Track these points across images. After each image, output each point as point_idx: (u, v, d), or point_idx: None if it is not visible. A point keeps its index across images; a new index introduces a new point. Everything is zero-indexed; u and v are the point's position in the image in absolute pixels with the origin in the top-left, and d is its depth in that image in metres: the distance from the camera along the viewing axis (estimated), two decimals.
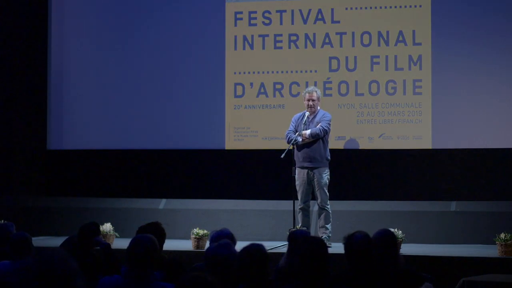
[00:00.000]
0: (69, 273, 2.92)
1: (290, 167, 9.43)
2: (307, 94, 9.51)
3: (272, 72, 11.17)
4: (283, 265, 5.73)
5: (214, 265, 4.57)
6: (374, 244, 5.12)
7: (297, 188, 9.47)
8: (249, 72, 11.27)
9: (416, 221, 10.03)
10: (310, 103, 9.47)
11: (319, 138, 9.39)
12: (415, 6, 10.75)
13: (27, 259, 2.94)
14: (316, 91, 9.52)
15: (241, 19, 11.35)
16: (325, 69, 10.95)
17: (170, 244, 7.82)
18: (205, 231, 9.30)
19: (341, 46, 10.97)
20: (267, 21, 11.25)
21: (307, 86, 10.35)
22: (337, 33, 10.99)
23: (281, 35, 11.18)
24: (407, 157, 10.79)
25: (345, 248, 5.11)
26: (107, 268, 6.11)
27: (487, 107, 10.47)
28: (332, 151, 9.59)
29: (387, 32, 10.83)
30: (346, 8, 11.00)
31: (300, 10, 11.13)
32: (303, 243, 4.78)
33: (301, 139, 9.37)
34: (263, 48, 11.23)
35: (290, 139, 9.40)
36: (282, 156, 9.29)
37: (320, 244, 4.74)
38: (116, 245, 9.19)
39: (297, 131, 9.45)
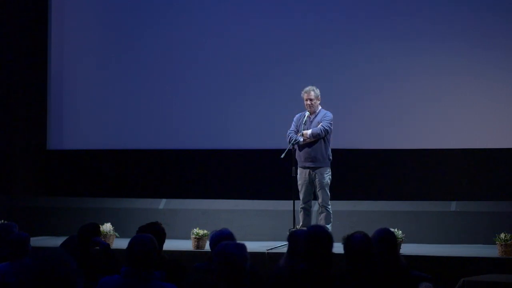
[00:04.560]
0: (69, 273, 2.92)
1: (290, 167, 9.42)
2: (305, 94, 9.51)
3: None
4: (283, 265, 5.72)
5: (221, 263, 4.56)
6: (374, 243, 5.13)
7: (299, 188, 9.46)
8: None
9: (416, 221, 10.03)
10: (308, 102, 9.47)
11: (320, 137, 9.38)
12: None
13: (26, 260, 2.94)
14: (313, 90, 9.49)
15: None
16: (325, 69, 10.95)
17: (170, 244, 7.82)
18: (205, 231, 9.30)
19: (341, 46, 10.96)
20: None
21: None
22: (337, 33, 10.99)
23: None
24: (407, 157, 10.79)
25: (345, 248, 5.12)
26: (107, 268, 6.11)
27: (487, 107, 10.47)
28: (333, 151, 9.59)
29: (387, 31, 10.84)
30: (346, 9, 11.00)
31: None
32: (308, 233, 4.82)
33: (302, 139, 9.37)
34: None
35: (291, 139, 9.39)
36: (282, 156, 9.28)
37: (323, 231, 4.78)
38: (116, 245, 9.19)
39: (298, 131, 9.45)
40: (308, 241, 4.71)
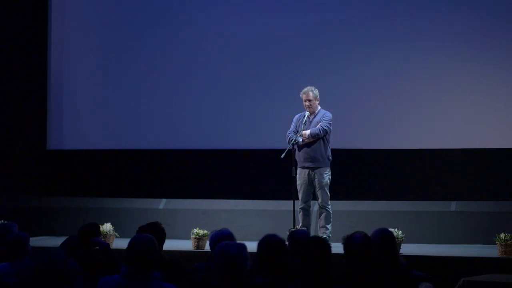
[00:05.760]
0: (69, 273, 2.92)
1: (290, 167, 9.43)
2: (303, 95, 9.50)
3: None
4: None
5: (222, 263, 4.56)
6: (373, 243, 5.13)
7: (298, 188, 9.47)
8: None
9: (416, 221, 10.03)
10: (307, 103, 9.47)
11: (320, 138, 9.38)
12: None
13: (25, 260, 2.94)
14: (312, 91, 9.49)
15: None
16: (325, 69, 10.94)
17: (170, 244, 7.82)
18: (205, 231, 9.31)
19: (341, 46, 10.96)
20: None
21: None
22: (337, 33, 10.99)
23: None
24: (407, 157, 10.79)
25: (345, 248, 5.12)
26: (107, 268, 6.11)
27: (487, 107, 10.47)
28: (332, 151, 9.59)
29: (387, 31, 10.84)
30: (346, 9, 11.00)
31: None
32: (306, 244, 4.79)
33: (301, 139, 9.37)
34: None
35: (290, 139, 9.40)
36: (282, 156, 9.29)
37: (323, 244, 4.76)
38: (116, 245, 9.20)
39: (297, 131, 9.45)
40: (260, 252, 4.63)
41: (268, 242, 4.60)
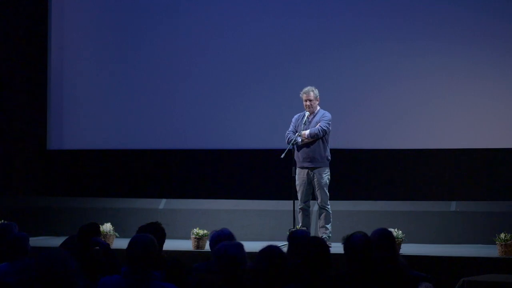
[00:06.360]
0: (69, 273, 2.93)
1: (290, 167, 9.43)
2: (304, 94, 9.50)
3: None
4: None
5: (223, 264, 4.55)
6: (372, 243, 5.13)
7: (297, 188, 9.47)
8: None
9: (416, 221, 10.03)
10: (307, 103, 9.47)
11: (319, 138, 9.38)
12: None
13: (25, 260, 2.94)
14: (312, 91, 9.49)
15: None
16: (325, 69, 10.94)
17: (170, 244, 7.81)
18: (205, 231, 9.30)
19: (341, 46, 10.96)
20: None
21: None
22: (337, 33, 10.99)
23: None
24: (407, 157, 10.79)
25: (345, 248, 5.11)
26: (107, 268, 6.11)
27: (486, 107, 10.47)
28: (332, 151, 9.59)
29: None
30: (347, 9, 11.00)
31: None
32: (305, 244, 4.79)
33: (300, 139, 9.37)
34: None
35: (290, 139, 9.40)
36: (282, 156, 9.29)
37: (321, 245, 4.76)
38: (116, 245, 9.19)
39: (297, 131, 9.45)
40: (258, 265, 4.58)
41: (268, 255, 4.58)
